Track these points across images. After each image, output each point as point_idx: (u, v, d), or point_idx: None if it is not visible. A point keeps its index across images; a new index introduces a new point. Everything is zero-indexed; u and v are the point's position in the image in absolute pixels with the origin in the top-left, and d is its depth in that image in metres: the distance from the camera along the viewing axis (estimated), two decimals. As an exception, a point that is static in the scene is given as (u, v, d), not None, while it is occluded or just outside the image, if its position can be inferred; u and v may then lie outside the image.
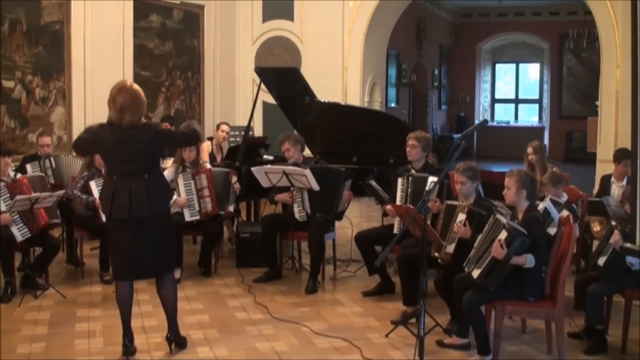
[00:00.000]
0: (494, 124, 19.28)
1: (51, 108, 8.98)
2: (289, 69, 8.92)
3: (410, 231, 5.13)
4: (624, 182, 6.20)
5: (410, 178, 5.65)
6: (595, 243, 5.12)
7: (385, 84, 12.98)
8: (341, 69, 11.45)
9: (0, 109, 8.27)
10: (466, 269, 4.43)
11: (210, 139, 8.20)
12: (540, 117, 19.47)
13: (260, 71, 7.88)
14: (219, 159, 7.88)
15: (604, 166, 8.81)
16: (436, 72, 17.94)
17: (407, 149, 5.72)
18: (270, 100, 8.46)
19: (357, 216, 8.90)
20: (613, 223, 4.67)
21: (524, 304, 4.37)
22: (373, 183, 5.88)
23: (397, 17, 12.26)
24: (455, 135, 17.10)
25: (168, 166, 6.47)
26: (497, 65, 20.16)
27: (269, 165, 6.34)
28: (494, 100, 20.28)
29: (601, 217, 5.49)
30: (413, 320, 4.92)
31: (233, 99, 11.97)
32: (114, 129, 4.21)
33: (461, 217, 4.75)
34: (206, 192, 6.33)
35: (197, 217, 6.32)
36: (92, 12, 9.26)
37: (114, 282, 4.58)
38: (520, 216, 4.43)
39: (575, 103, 18.08)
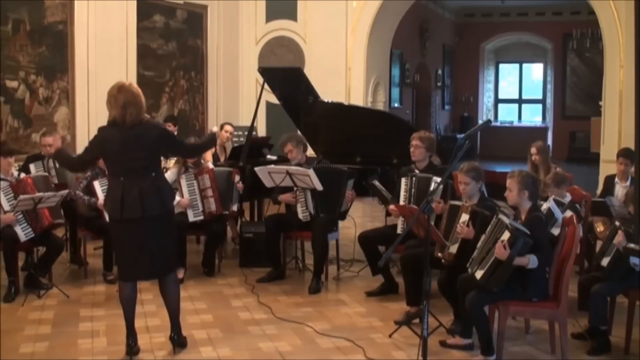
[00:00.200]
0: (498, 124, 19.28)
1: (55, 108, 8.99)
2: (293, 69, 8.91)
3: (414, 231, 5.12)
4: (628, 183, 6.19)
5: (413, 178, 5.65)
6: (599, 243, 5.12)
7: (388, 84, 12.97)
8: (344, 69, 11.44)
9: (3, 109, 8.28)
10: (469, 269, 4.43)
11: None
12: (544, 117, 19.43)
13: (264, 71, 7.88)
14: (222, 159, 7.88)
15: (608, 166, 8.81)
16: (439, 72, 17.92)
17: (411, 149, 5.71)
18: (274, 100, 8.45)
19: (361, 216, 8.89)
20: (617, 223, 4.67)
21: (527, 305, 4.37)
22: (376, 183, 5.88)
23: (401, 17, 12.24)
24: (458, 136, 17.08)
25: (170, 166, 6.47)
26: (501, 65, 20.12)
27: (273, 165, 6.34)
28: (497, 100, 20.24)
29: (605, 217, 5.48)
30: (416, 320, 4.92)
31: (236, 99, 11.97)
32: (118, 127, 4.21)
33: (464, 217, 4.74)
34: (209, 192, 6.32)
35: (201, 217, 6.32)
36: (95, 12, 9.27)
37: (117, 281, 4.57)
38: (523, 217, 4.42)
39: (579, 103, 18.04)
